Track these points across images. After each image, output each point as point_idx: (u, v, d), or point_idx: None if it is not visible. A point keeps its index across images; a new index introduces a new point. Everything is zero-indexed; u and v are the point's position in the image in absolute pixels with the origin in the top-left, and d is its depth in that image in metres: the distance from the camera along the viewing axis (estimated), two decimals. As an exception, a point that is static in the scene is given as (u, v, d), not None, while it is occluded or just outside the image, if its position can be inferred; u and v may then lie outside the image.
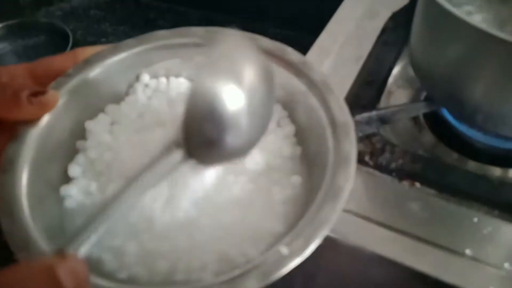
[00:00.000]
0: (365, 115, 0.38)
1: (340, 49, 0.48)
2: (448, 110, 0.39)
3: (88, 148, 0.31)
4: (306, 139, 0.33)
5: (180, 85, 0.35)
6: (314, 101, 0.32)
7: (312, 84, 0.32)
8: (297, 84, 0.33)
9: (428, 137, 0.41)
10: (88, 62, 0.32)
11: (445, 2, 0.32)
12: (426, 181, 0.36)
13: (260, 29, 0.87)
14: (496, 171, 0.38)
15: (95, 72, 0.32)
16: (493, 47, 0.30)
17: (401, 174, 0.37)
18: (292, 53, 0.34)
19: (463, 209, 0.35)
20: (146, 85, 0.35)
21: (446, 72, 0.36)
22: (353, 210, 0.35)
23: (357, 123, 0.38)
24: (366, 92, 0.43)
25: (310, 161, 0.31)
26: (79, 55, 0.31)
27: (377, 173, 0.37)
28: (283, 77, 0.33)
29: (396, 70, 0.46)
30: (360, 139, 0.38)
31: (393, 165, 0.37)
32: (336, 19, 0.53)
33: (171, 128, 0.30)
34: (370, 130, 0.39)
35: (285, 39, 0.81)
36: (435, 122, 0.41)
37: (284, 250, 0.25)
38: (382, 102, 0.43)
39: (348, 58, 0.47)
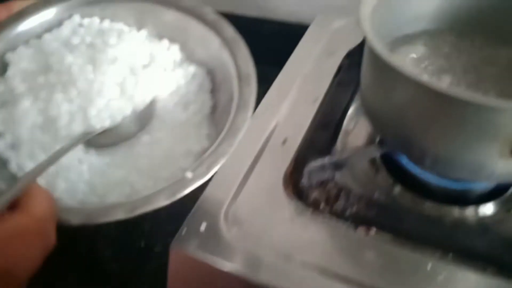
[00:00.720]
0: (317, 162, 0.38)
1: (297, 90, 0.49)
2: (399, 153, 0.39)
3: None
4: (219, 91, 0.48)
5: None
6: (226, 56, 0.46)
7: (225, 40, 0.47)
8: (213, 40, 0.47)
9: (385, 179, 0.41)
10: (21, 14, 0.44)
11: (384, 50, 0.32)
12: (381, 227, 0.36)
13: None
14: (454, 211, 0.39)
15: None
16: (427, 97, 0.31)
17: (357, 221, 0.37)
18: (209, 13, 0.50)
19: (418, 255, 0.35)
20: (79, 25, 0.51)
21: (391, 117, 0.36)
22: (309, 262, 0.35)
23: (311, 172, 0.38)
24: (321, 135, 0.43)
25: (220, 109, 0.47)
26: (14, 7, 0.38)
27: (332, 221, 0.37)
28: (202, 34, 0.49)
29: (352, 110, 0.47)
30: (314, 187, 0.38)
31: (348, 212, 0.37)
32: (294, 58, 0.54)
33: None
34: (324, 176, 0.39)
35: (257, 72, 0.81)
36: (391, 163, 0.42)
37: (189, 174, 0.39)
38: (339, 144, 0.44)
39: (305, 100, 0.48)
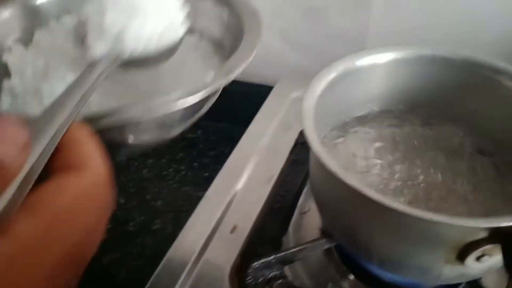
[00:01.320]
0: (264, 259, 0.36)
1: (252, 169, 0.48)
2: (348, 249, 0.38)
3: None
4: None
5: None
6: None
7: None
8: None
9: (338, 268, 0.40)
10: None
11: (327, 157, 0.31)
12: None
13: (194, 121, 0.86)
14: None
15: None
16: (365, 204, 0.30)
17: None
18: None
19: None
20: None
21: (337, 214, 0.35)
22: None
23: (257, 269, 0.36)
24: (272, 223, 0.42)
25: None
26: None
27: (279, 323, 0.35)
28: None
29: (306, 189, 0.45)
30: (260, 285, 0.36)
31: (295, 312, 0.35)
32: (251, 131, 0.53)
33: None
34: (271, 273, 0.37)
35: (218, 131, 0.80)
36: (345, 253, 0.40)
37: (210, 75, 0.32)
38: (291, 232, 0.42)
39: (259, 179, 0.46)
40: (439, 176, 0.37)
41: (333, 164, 0.30)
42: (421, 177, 0.37)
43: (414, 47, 0.39)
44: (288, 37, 0.64)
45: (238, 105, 0.74)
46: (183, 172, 0.76)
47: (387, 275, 0.37)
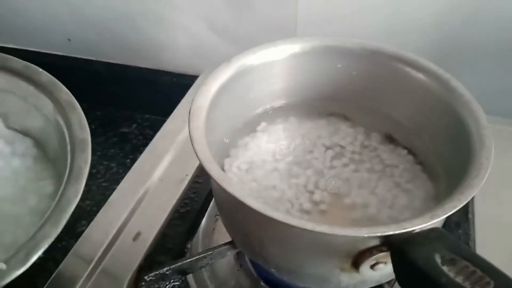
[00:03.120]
0: (156, 273, 0.34)
1: (166, 167, 0.45)
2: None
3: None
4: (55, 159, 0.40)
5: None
6: (60, 119, 0.39)
7: (58, 103, 0.40)
8: (47, 104, 0.40)
9: (248, 274, 0.37)
10: None
11: (219, 173, 0.28)
12: None
13: (128, 115, 0.82)
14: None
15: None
16: (258, 219, 0.27)
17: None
18: (42, 73, 0.42)
19: None
20: None
21: (234, 223, 0.32)
22: None
23: (150, 282, 0.34)
24: (178, 229, 0.39)
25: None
26: None
27: None
28: (34, 97, 0.41)
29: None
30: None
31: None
32: (166, 128, 0.49)
33: None
34: (171, 283, 0.34)
35: (153, 125, 0.77)
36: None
37: (2, 265, 0.29)
38: (200, 237, 0.39)
39: (172, 180, 0.43)
40: (342, 175, 0.35)
41: (218, 173, 0.27)
42: (322, 177, 0.34)
43: (322, 39, 0.36)
44: (214, 26, 0.61)
45: (172, 97, 0.71)
46: (114, 170, 0.72)
47: (298, 284, 0.35)
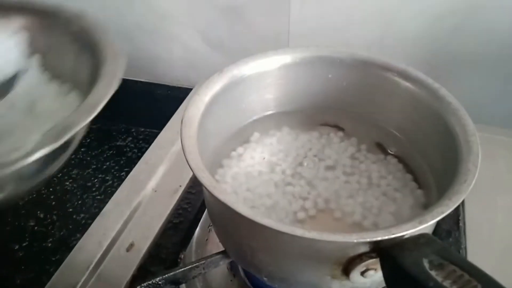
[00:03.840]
0: (149, 283, 0.34)
1: (160, 178, 0.45)
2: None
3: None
4: None
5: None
6: None
7: None
8: None
9: (240, 283, 0.38)
10: None
11: (211, 181, 0.28)
12: None
13: (123, 128, 0.82)
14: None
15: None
16: (239, 220, 0.27)
17: None
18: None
19: None
20: None
21: (226, 231, 0.32)
22: None
23: (142, 292, 0.34)
24: (171, 240, 0.39)
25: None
26: None
27: None
28: None
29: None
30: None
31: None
32: (161, 139, 0.50)
33: None
34: (163, 294, 0.34)
35: (148, 138, 0.77)
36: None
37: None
38: (194, 246, 0.39)
39: (166, 190, 0.44)
40: (334, 186, 0.35)
41: (209, 180, 0.28)
42: (314, 188, 0.35)
43: (312, 49, 0.37)
44: (208, 38, 0.61)
45: (167, 110, 0.71)
46: (109, 183, 0.72)
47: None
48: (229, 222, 0.30)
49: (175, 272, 0.34)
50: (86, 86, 0.36)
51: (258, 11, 0.56)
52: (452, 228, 0.40)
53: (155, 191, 0.43)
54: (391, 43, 0.53)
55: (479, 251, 0.38)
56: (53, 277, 0.37)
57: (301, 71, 0.37)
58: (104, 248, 0.38)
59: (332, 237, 0.25)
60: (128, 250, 0.38)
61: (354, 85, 0.37)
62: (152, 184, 0.44)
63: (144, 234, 0.39)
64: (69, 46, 0.40)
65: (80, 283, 0.36)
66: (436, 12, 0.49)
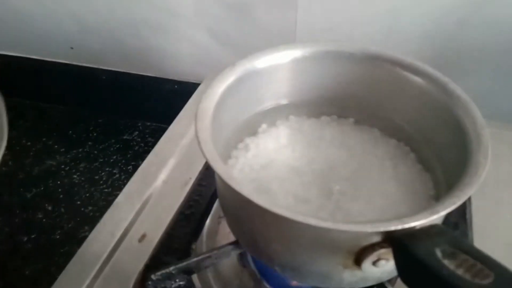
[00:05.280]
0: (162, 272, 0.34)
1: (170, 171, 0.45)
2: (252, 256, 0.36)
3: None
4: None
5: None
6: None
7: None
8: None
9: (252, 274, 0.38)
10: None
11: (225, 171, 0.29)
12: None
13: (130, 122, 0.83)
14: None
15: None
16: (266, 216, 0.28)
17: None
18: None
19: None
20: None
21: (238, 221, 0.33)
22: None
23: (156, 281, 0.34)
24: (183, 230, 0.39)
25: None
26: None
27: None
28: None
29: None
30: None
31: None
32: (170, 133, 0.50)
33: None
34: (176, 283, 0.35)
35: (155, 132, 0.78)
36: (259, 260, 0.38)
37: None
38: (204, 238, 0.40)
39: (176, 183, 0.44)
40: (344, 170, 0.36)
41: (225, 171, 0.28)
42: (327, 173, 0.35)
43: (323, 44, 0.37)
44: (215, 34, 0.62)
45: (174, 104, 0.72)
46: (116, 176, 0.73)
47: (301, 282, 0.35)
48: (244, 212, 0.31)
49: (188, 262, 0.34)
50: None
51: (266, 8, 0.57)
52: (459, 220, 0.40)
53: (166, 183, 0.44)
54: (397, 39, 0.53)
55: (485, 244, 0.38)
56: (67, 267, 0.37)
57: (311, 65, 0.38)
58: (116, 239, 0.39)
59: (346, 226, 0.26)
60: (140, 241, 0.39)
61: (363, 79, 0.38)
62: (162, 176, 0.45)
63: (156, 225, 0.40)
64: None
65: (93, 273, 0.36)
66: (442, 8, 0.50)
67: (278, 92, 0.39)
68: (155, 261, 0.37)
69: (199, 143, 0.29)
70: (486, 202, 0.42)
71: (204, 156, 0.29)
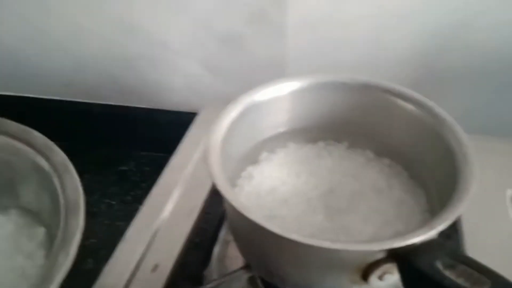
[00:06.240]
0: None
1: (174, 202, 0.47)
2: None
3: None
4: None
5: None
6: (56, 182, 0.39)
7: (53, 165, 0.40)
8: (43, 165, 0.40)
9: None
10: None
11: (232, 194, 0.31)
12: None
13: (125, 153, 0.84)
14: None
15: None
16: (265, 235, 0.30)
17: None
18: (37, 137, 0.42)
19: None
20: None
21: (249, 245, 0.35)
22: None
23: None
24: (194, 258, 0.41)
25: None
26: None
27: None
28: (30, 158, 0.41)
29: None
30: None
31: None
32: (173, 163, 0.52)
33: None
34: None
35: (151, 162, 0.79)
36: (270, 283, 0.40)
37: None
38: (214, 264, 0.42)
39: (181, 213, 0.46)
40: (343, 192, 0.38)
41: (239, 202, 0.30)
42: (328, 196, 0.38)
43: (316, 76, 0.41)
44: (207, 66, 0.65)
45: (168, 134, 0.74)
46: (115, 207, 0.74)
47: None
48: (256, 239, 0.33)
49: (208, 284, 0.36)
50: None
51: (255, 39, 0.60)
52: (451, 232, 0.43)
53: (173, 213, 0.46)
54: (381, 63, 0.57)
55: (477, 251, 0.41)
56: (85, 301, 0.38)
57: (307, 95, 0.41)
58: (130, 270, 0.40)
59: (354, 246, 0.28)
60: (153, 271, 0.40)
61: (356, 106, 0.41)
62: (169, 207, 0.46)
63: (167, 254, 0.41)
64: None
65: (111, 305, 0.38)
66: (425, 32, 0.53)
67: (277, 121, 0.41)
68: (171, 289, 0.38)
69: (212, 177, 0.32)
70: (474, 210, 0.45)
71: (219, 189, 0.31)
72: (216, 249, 0.43)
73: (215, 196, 0.48)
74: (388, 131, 0.41)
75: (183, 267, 0.41)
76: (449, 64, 0.55)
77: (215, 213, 0.45)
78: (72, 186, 0.39)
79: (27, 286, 0.37)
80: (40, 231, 0.42)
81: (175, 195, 0.48)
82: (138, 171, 0.80)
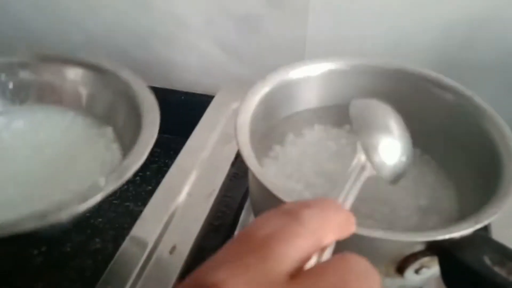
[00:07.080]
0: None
1: (192, 184, 0.46)
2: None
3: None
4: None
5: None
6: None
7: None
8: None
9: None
10: None
11: (259, 170, 0.30)
12: None
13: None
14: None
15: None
16: None
17: None
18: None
19: None
20: None
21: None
22: None
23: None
24: (213, 241, 0.40)
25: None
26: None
27: None
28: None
29: (248, 205, 0.44)
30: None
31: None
32: (190, 144, 0.51)
33: None
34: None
35: (160, 143, 0.77)
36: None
37: (101, 181, 0.36)
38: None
39: (200, 194, 0.44)
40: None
41: (268, 181, 0.29)
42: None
43: (347, 58, 0.39)
44: (224, 47, 0.63)
45: (180, 116, 0.72)
46: (124, 187, 0.73)
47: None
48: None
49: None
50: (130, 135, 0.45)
51: (275, 22, 0.58)
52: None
53: (190, 195, 0.44)
54: (404, 53, 0.55)
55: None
56: (103, 276, 0.37)
57: (337, 78, 0.39)
58: (147, 251, 0.39)
59: (394, 236, 0.27)
60: (171, 252, 0.39)
61: (389, 92, 0.39)
62: (186, 189, 0.45)
63: (185, 237, 0.40)
64: (115, 99, 0.50)
65: (129, 284, 0.37)
66: (449, 23, 0.52)
67: (306, 101, 0.40)
68: (189, 273, 0.37)
69: (244, 159, 0.30)
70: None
71: (253, 171, 0.29)
72: (236, 233, 0.42)
73: (235, 179, 0.46)
74: (422, 119, 0.39)
75: (202, 250, 0.39)
76: (473, 56, 0.53)
77: (235, 196, 0.44)
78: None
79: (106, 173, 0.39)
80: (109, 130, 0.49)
81: (192, 178, 0.46)
82: (149, 152, 0.78)
